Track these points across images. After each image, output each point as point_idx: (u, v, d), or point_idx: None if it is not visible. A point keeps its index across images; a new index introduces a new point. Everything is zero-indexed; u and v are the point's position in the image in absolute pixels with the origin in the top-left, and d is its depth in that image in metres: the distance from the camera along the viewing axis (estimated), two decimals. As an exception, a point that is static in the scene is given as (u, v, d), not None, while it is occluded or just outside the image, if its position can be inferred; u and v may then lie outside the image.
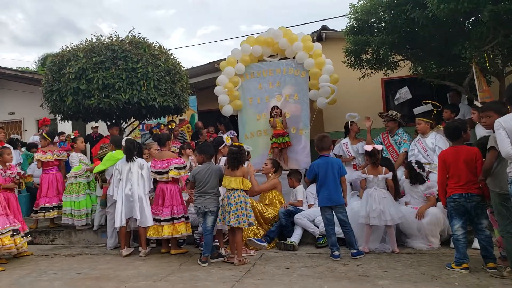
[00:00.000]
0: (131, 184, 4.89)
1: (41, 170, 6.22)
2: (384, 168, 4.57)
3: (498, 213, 3.38)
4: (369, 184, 4.56)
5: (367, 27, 6.49)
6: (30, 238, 5.26)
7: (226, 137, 4.96)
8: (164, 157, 4.97)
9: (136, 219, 4.87)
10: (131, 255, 4.91)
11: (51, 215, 6.02)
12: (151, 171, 4.97)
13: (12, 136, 8.69)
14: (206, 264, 4.27)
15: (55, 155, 6.06)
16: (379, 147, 4.69)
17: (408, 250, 4.43)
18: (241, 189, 4.33)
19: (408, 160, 5.06)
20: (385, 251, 4.42)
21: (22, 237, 4.90)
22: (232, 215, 4.22)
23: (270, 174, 5.44)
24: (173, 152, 6.14)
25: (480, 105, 4.53)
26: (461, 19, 5.55)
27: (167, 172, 4.86)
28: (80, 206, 5.74)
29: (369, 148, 4.60)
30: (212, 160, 4.77)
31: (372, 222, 4.38)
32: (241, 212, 4.24)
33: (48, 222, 6.27)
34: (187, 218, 4.91)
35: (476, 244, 3.98)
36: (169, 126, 7.46)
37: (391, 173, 4.60)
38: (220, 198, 4.50)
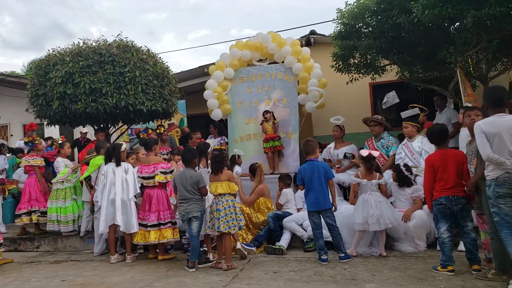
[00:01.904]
0: (115, 189, 4.84)
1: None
2: (377, 173, 4.59)
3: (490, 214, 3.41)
4: (363, 189, 4.53)
5: (354, 32, 6.55)
6: (2, 249, 5.14)
7: (211, 141, 4.93)
8: (151, 162, 4.93)
9: (123, 224, 4.81)
10: (119, 261, 4.85)
11: (19, 222, 5.93)
12: (138, 176, 4.93)
13: (-2, 140, 8.56)
14: (193, 269, 4.23)
15: (24, 161, 6.06)
16: (375, 153, 4.70)
17: (395, 253, 4.45)
18: (229, 193, 4.31)
19: (396, 163, 5.10)
20: (372, 254, 4.43)
21: None
22: (222, 220, 4.20)
23: (251, 181, 5.46)
24: (165, 158, 6.12)
25: (470, 105, 4.60)
26: (445, 25, 5.64)
27: (153, 177, 4.82)
28: (67, 212, 5.65)
29: (365, 153, 4.61)
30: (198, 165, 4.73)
31: (371, 228, 4.34)
32: (231, 217, 4.22)
33: (34, 228, 6.16)
34: (174, 223, 4.87)
35: (461, 246, 4.02)
36: (158, 131, 7.41)
37: (384, 178, 4.63)
38: (208, 204, 4.47)
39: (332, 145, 6.18)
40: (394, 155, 5.43)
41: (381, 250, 4.41)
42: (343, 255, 4.27)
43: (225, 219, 4.21)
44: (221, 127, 8.05)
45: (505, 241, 3.11)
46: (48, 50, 6.63)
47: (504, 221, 3.11)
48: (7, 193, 5.68)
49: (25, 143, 6.37)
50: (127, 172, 4.92)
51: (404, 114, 6.52)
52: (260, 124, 6.79)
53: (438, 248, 4.06)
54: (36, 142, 6.22)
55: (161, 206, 4.80)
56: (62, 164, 5.86)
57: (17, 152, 8.02)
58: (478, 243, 3.67)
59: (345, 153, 5.81)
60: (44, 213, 5.90)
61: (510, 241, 3.07)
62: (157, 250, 4.84)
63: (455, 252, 3.92)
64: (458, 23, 5.64)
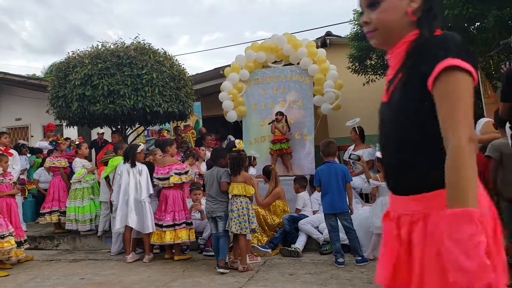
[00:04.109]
0: (129, 189, 4.90)
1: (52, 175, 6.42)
2: None
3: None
4: (382, 192, 4.45)
5: (371, 33, 6.49)
6: (27, 245, 5.19)
7: (238, 141, 4.91)
8: (166, 163, 4.98)
9: (138, 224, 4.87)
10: (135, 261, 4.91)
11: (43, 221, 6.10)
12: (154, 177, 4.99)
13: (19, 141, 8.79)
14: (224, 269, 4.17)
15: (48, 162, 6.24)
16: None
17: (414, 257, 4.37)
18: (244, 195, 4.31)
19: None
20: (390, 258, 4.36)
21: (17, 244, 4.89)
22: (234, 221, 4.20)
23: (265, 183, 5.44)
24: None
25: None
26: (466, 25, 5.53)
27: (168, 178, 4.87)
28: (84, 211, 5.75)
29: (380, 154, 4.52)
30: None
31: None
32: (243, 218, 4.21)
33: (53, 227, 6.30)
34: (189, 224, 4.89)
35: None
36: (181, 136, 7.47)
37: None
38: None
39: (352, 146, 6.13)
40: None
41: (398, 253, 4.33)
42: (360, 258, 4.22)
43: (238, 220, 4.20)
44: (225, 133, 8.09)
45: None
46: (68, 53, 6.77)
47: None
48: (27, 193, 5.82)
49: (50, 142, 6.55)
50: (140, 173, 4.97)
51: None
52: (269, 124, 6.72)
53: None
54: (60, 142, 6.37)
55: (177, 206, 4.84)
56: (79, 165, 5.97)
57: (37, 152, 8.21)
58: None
59: (350, 154, 5.70)
60: (64, 213, 6.03)
61: None
62: (173, 251, 4.88)
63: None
64: (479, 23, 5.53)
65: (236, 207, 4.25)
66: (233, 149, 4.60)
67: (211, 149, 5.65)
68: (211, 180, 4.42)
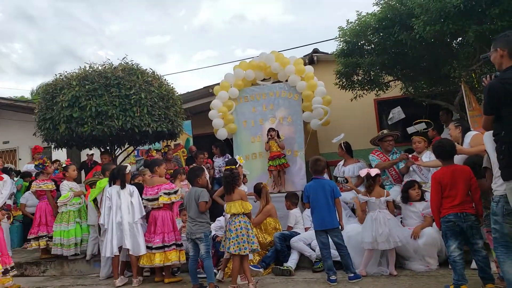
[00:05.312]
0: (121, 211, 4.82)
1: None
2: (385, 190, 4.53)
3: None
4: (371, 207, 4.44)
5: (356, 49, 6.60)
6: (14, 272, 5.00)
7: (239, 157, 4.81)
8: (155, 183, 4.92)
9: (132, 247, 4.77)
10: (125, 285, 4.79)
11: (29, 247, 5.94)
12: (143, 199, 4.92)
13: (5, 165, 8.65)
14: None
15: (35, 185, 6.09)
16: (373, 171, 4.63)
17: (406, 272, 4.33)
18: (243, 214, 4.23)
19: (407, 180, 5.02)
20: (382, 274, 4.32)
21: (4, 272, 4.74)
22: (232, 241, 4.11)
23: (256, 200, 5.39)
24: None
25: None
26: (448, 40, 5.66)
27: (157, 199, 4.81)
28: (69, 235, 5.60)
29: (363, 172, 4.56)
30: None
31: (381, 247, 4.24)
32: (242, 238, 4.11)
33: (40, 253, 6.13)
34: (179, 245, 4.80)
35: (474, 264, 3.90)
36: (162, 151, 7.45)
37: (391, 196, 4.56)
38: (220, 224, 4.40)
39: (342, 162, 6.13)
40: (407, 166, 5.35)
41: (391, 269, 4.30)
42: (352, 275, 4.17)
43: (236, 240, 4.11)
44: (224, 147, 8.07)
45: (500, 258, 3.02)
46: (55, 74, 6.75)
47: (502, 240, 3.00)
48: (12, 219, 5.65)
49: (36, 166, 6.42)
50: (132, 195, 4.91)
51: (410, 130, 6.48)
52: (266, 143, 6.77)
53: (450, 266, 3.95)
54: (46, 165, 6.25)
55: (166, 228, 4.76)
56: (66, 188, 5.85)
57: (25, 176, 8.07)
58: (490, 260, 3.57)
59: (337, 177, 5.72)
60: (51, 238, 5.88)
61: (505, 260, 2.98)
62: (163, 273, 4.78)
63: (468, 270, 3.81)
64: (460, 38, 5.67)
65: (234, 226, 4.15)
66: (227, 166, 4.56)
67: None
68: (189, 201, 4.34)
